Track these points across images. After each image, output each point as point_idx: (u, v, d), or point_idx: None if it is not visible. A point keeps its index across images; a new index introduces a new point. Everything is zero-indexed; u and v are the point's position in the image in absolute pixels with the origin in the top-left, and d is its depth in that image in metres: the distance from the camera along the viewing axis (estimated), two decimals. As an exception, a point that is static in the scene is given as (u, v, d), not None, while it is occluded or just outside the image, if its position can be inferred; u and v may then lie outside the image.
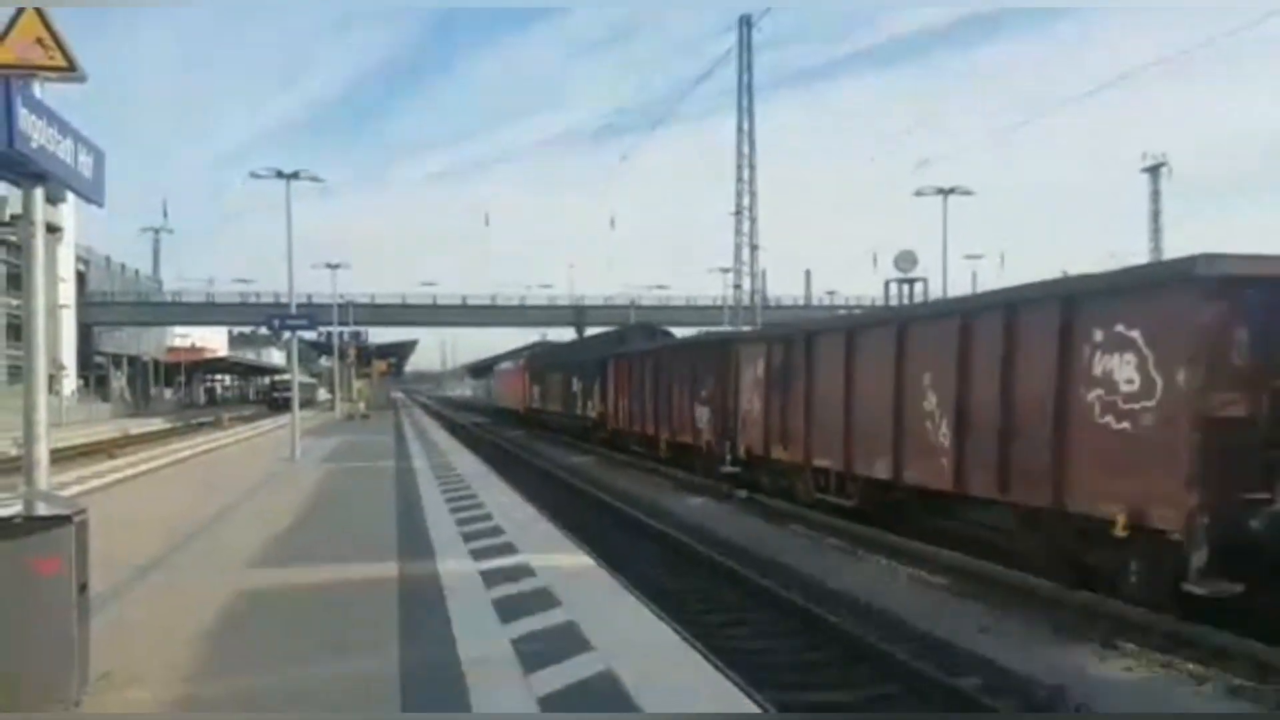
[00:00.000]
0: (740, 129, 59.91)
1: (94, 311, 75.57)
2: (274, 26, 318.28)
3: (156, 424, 49.84)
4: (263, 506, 14.97)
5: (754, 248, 60.29)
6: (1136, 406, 8.97)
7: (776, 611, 10.36)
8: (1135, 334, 9.04)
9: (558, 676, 6.00)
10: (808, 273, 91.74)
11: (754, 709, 5.67)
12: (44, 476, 6.06)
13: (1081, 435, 9.66)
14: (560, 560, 10.12)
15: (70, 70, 6.09)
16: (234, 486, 17.71)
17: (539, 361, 51.20)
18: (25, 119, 5.55)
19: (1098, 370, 9.46)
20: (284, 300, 36.32)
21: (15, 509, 5.51)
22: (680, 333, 41.32)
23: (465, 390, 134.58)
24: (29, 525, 5.29)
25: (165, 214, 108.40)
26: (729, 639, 9.25)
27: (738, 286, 60.93)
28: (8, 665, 5.16)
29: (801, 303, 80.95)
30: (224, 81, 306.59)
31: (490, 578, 9.13)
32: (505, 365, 69.21)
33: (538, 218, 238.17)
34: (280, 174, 27.24)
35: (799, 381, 16.56)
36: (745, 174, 59.99)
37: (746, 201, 60.18)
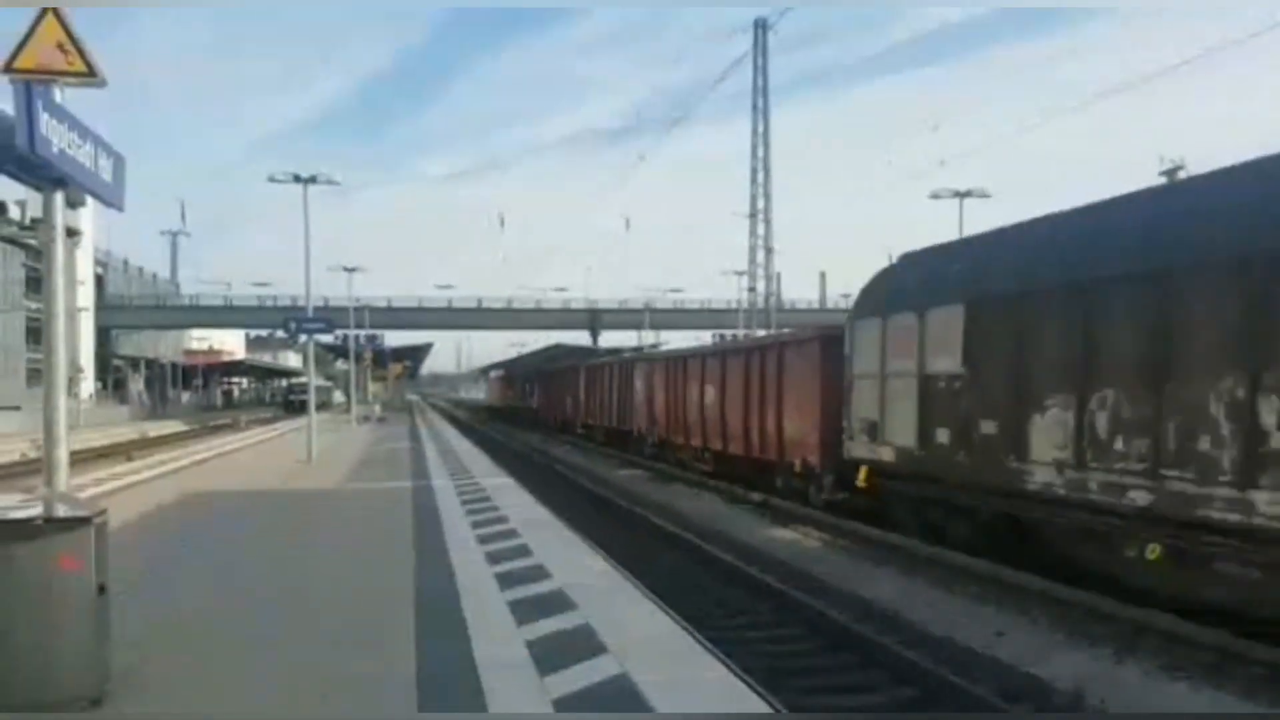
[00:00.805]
0: (755, 132, 59.90)
1: (112, 314, 76.08)
2: (290, 26, 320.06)
3: (174, 426, 50.17)
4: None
5: (768, 250, 60.25)
6: (643, 396, 30.03)
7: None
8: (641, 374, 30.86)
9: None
10: (823, 275, 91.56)
11: (764, 709, 5.63)
12: (64, 478, 6.11)
13: (639, 404, 30.78)
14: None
15: (90, 75, 6.12)
16: (261, 480, 18.29)
17: (511, 372, 74.30)
18: (46, 123, 5.60)
19: (636, 384, 31.10)
20: (301, 303, 36.48)
21: (36, 510, 5.54)
22: (694, 335, 53.63)
23: (480, 393, 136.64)
24: (50, 526, 5.32)
25: (183, 217, 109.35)
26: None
27: (752, 289, 60.91)
28: (28, 664, 5.20)
29: (816, 305, 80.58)
30: (240, 82, 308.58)
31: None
32: (494, 374, 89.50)
33: (553, 218, 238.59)
34: (297, 178, 27.23)
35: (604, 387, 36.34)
36: (760, 177, 59.96)
37: (761, 204, 60.15)
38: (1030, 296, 11.07)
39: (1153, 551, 9.27)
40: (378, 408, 57.62)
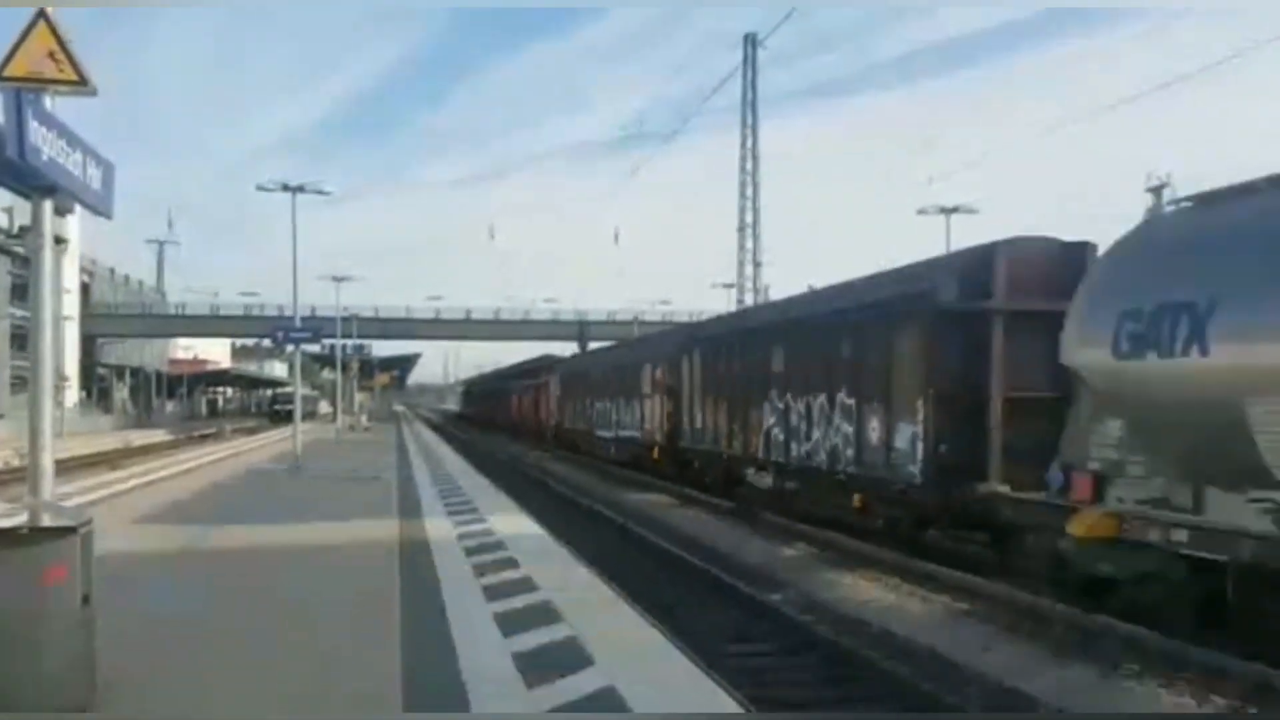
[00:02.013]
0: (744, 146, 60.10)
1: (98, 323, 75.54)
2: (287, 34, 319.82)
3: (159, 436, 49.91)
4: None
5: (757, 264, 60.40)
6: (513, 405, 59.71)
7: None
8: (513, 393, 61.44)
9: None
10: (810, 288, 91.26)
11: (737, 708, 5.73)
12: (49, 486, 6.07)
13: (513, 409, 59.67)
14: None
15: (81, 83, 6.12)
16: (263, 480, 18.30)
17: (469, 387, 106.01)
18: (36, 131, 5.59)
19: (512, 399, 61.96)
20: (288, 313, 36.39)
21: (21, 519, 5.51)
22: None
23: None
24: (35, 535, 5.28)
25: (170, 225, 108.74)
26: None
27: (740, 302, 61.01)
28: (13, 674, 5.16)
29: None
30: (235, 89, 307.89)
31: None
32: (460, 388, 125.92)
33: (546, 228, 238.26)
34: (286, 187, 27.25)
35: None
36: (749, 191, 60.16)
37: (750, 218, 60.32)
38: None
39: (617, 449, 31.76)
40: (363, 418, 57.43)
